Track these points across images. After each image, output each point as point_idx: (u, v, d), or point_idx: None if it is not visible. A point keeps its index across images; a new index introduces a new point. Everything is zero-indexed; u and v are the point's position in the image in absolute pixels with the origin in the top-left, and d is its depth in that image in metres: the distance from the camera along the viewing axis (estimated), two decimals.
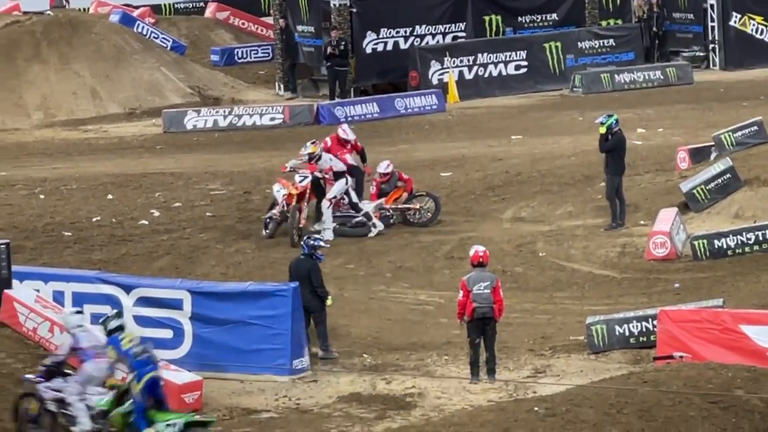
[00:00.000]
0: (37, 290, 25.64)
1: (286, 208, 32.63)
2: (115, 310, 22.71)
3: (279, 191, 32.77)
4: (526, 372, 23.79)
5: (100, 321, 21.31)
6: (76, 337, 20.73)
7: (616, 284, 28.29)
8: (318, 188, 33.40)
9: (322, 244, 25.99)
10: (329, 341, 24.83)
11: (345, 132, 33.47)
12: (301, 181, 32.40)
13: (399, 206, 33.91)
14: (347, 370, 24.87)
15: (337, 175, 33.13)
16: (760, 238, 29.97)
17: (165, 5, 63.58)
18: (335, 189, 33.07)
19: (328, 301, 24.84)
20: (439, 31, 49.27)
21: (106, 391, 20.69)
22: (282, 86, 51.00)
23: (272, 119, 45.88)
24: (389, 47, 51.24)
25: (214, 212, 34.97)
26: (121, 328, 21.04)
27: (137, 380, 20.06)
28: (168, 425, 19.97)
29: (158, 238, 33.84)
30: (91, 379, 20.57)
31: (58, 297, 25.46)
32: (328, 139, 34.87)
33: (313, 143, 32.89)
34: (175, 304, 24.67)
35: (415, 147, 41.87)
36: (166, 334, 24.51)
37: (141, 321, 24.20)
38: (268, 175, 36.48)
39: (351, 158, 33.60)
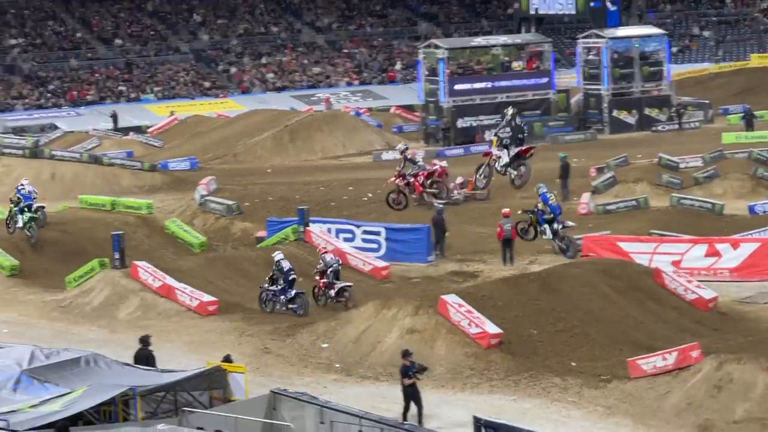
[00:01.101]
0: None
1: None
2: None
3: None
4: (526, 261, 38.89)
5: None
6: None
7: None
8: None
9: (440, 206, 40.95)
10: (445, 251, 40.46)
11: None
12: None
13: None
14: (450, 260, 40.01)
15: None
16: (624, 206, 45.85)
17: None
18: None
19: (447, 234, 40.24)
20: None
21: None
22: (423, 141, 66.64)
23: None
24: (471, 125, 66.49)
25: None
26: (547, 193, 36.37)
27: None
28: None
29: (371, 205, 48.08)
30: None
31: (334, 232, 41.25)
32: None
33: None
34: (377, 233, 41.46)
35: None
36: (374, 246, 41.21)
37: (365, 240, 40.94)
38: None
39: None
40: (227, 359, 27.23)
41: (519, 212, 40.61)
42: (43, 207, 43.43)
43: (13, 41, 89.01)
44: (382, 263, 39.11)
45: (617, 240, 38.93)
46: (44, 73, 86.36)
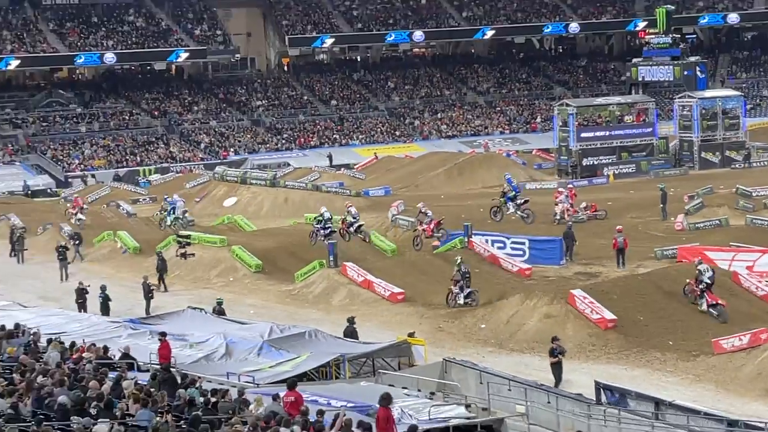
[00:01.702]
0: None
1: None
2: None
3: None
4: (634, 265, 37.49)
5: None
6: None
7: None
8: None
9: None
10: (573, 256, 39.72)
11: None
12: None
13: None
14: (577, 264, 39.08)
15: None
16: (710, 224, 44.05)
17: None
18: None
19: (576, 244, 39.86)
20: None
21: None
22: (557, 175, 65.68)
23: None
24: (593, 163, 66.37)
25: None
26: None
27: None
28: None
29: (517, 223, 44.96)
30: None
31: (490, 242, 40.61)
32: None
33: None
34: (523, 243, 40.38)
35: None
36: (520, 252, 40.22)
37: (513, 248, 40.28)
38: None
39: None
40: (411, 335, 27.35)
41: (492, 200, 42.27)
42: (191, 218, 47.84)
43: (258, 102, 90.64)
44: (525, 266, 38.85)
45: (704, 249, 38.13)
46: (280, 125, 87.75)
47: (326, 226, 42.02)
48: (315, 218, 43.24)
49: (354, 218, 42.94)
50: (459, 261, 35.43)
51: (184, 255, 41.60)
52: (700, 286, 31.25)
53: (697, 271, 31.33)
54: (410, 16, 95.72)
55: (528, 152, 78.24)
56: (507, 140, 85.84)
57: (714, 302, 30.81)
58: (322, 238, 41.31)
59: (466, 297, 33.85)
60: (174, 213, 48.69)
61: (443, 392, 23.11)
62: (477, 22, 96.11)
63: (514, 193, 40.28)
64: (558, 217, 45.46)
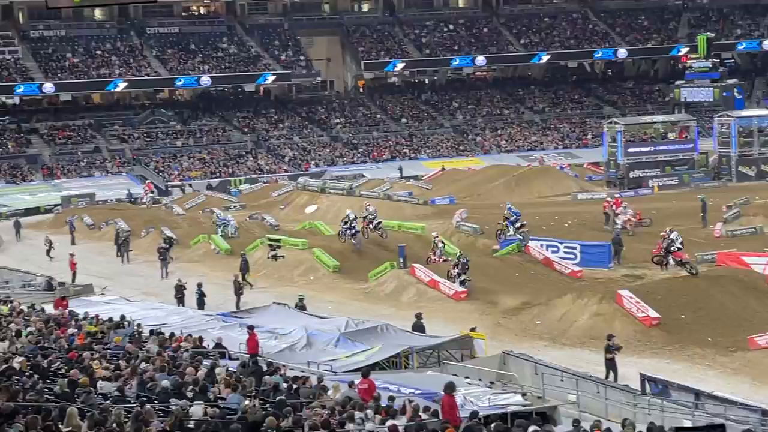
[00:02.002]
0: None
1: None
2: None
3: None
4: (677, 269, 35.67)
5: None
6: None
7: None
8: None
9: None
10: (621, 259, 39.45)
11: None
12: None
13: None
14: (624, 267, 38.63)
15: None
16: (746, 232, 44.04)
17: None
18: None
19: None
20: None
21: None
22: (606, 186, 65.04)
23: None
24: (639, 175, 63.80)
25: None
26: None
27: None
28: None
29: (570, 229, 46.29)
30: None
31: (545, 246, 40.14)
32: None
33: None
34: (575, 248, 39.98)
35: None
36: (572, 256, 39.40)
37: (566, 252, 39.77)
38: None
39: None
40: (473, 330, 27.31)
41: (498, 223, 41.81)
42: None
43: (336, 120, 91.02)
44: (577, 268, 38.49)
45: (741, 255, 37.52)
46: (356, 141, 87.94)
47: (352, 226, 42.68)
48: (342, 220, 43.90)
49: (372, 215, 43.87)
50: (459, 254, 37.28)
51: (275, 257, 41.87)
52: (672, 248, 34.66)
53: (669, 240, 34.37)
54: (473, 43, 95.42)
55: (579, 165, 77.10)
56: (560, 154, 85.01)
57: (680, 259, 33.89)
58: (350, 237, 42.26)
59: (461, 283, 35.35)
60: (225, 230, 48.35)
61: (502, 382, 23.08)
62: (534, 48, 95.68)
63: (514, 217, 40.57)
64: (619, 227, 44.40)
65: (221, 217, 49.90)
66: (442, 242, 41.22)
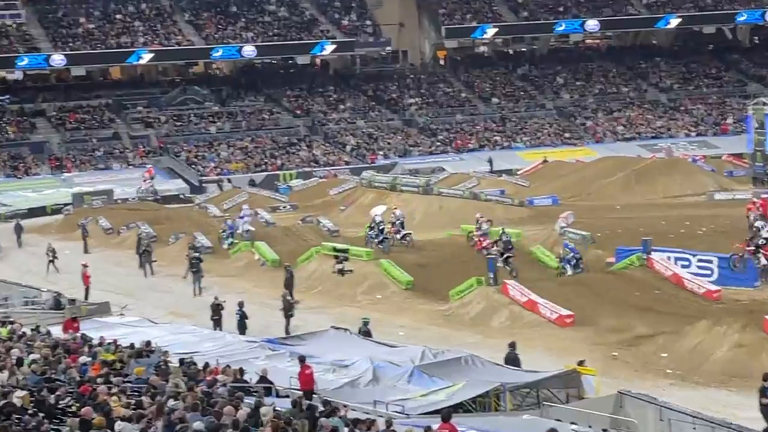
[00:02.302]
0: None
1: None
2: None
3: None
4: None
5: None
6: None
7: None
8: None
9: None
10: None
11: None
12: None
13: None
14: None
15: None
16: None
17: None
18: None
19: None
20: None
21: None
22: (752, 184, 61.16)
23: None
24: None
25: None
26: None
27: None
28: None
29: (705, 238, 45.51)
30: None
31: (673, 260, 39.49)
32: None
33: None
34: (711, 261, 39.14)
35: None
36: (708, 272, 38.95)
37: (699, 267, 39.11)
38: None
39: None
40: (581, 363, 27.24)
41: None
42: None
43: (410, 100, 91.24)
44: (713, 287, 37.95)
45: None
46: (435, 125, 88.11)
47: (381, 229, 45.91)
48: (368, 225, 46.57)
49: (400, 220, 46.73)
50: (502, 230, 40.77)
51: (341, 271, 42.13)
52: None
53: (756, 228, 35.92)
54: (583, 2, 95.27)
55: (717, 158, 76.68)
56: (693, 144, 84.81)
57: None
58: (377, 245, 44.82)
59: (505, 262, 38.82)
60: (233, 237, 48.96)
61: (617, 429, 22.91)
62: (660, 10, 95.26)
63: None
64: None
65: (229, 224, 50.25)
66: (488, 222, 44.03)
